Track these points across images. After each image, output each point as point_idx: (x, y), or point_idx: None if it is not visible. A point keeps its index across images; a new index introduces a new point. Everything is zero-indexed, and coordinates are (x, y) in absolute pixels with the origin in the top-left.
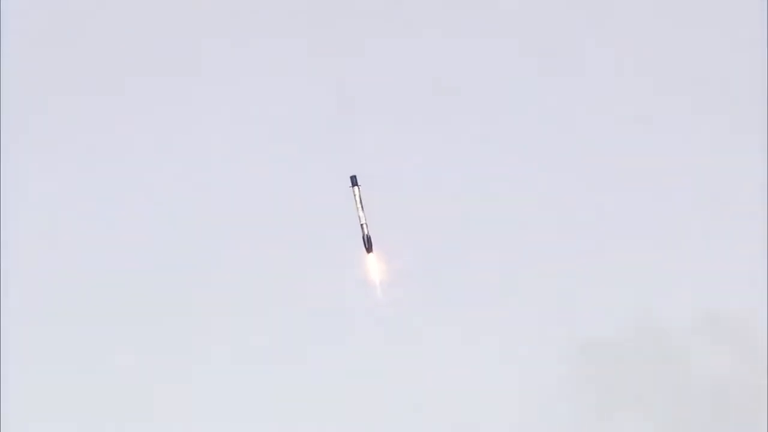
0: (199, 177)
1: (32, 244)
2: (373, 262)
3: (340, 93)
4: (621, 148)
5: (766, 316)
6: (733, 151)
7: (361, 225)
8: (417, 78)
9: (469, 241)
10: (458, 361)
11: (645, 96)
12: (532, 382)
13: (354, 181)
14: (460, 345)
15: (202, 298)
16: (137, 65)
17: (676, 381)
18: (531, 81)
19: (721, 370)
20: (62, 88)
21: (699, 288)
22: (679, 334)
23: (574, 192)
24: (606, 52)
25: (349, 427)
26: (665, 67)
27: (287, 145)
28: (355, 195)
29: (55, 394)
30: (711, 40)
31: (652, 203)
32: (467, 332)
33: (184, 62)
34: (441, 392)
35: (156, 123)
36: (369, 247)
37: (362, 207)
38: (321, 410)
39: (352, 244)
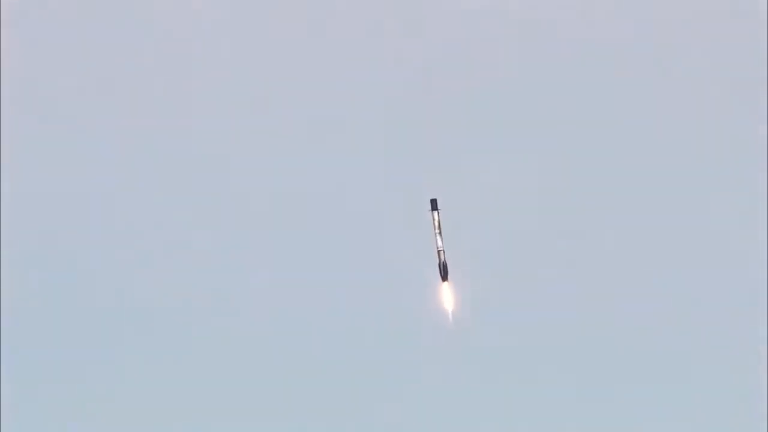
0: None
1: None
2: (447, 291)
3: None
4: None
5: None
6: None
7: (438, 251)
8: None
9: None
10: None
11: None
12: None
13: (434, 205)
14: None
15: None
16: None
17: None
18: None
19: None
20: None
21: None
22: None
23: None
24: None
25: None
26: None
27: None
28: (434, 219)
29: None
30: None
31: None
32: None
33: None
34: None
35: None
36: (444, 275)
37: (440, 233)
38: None
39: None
